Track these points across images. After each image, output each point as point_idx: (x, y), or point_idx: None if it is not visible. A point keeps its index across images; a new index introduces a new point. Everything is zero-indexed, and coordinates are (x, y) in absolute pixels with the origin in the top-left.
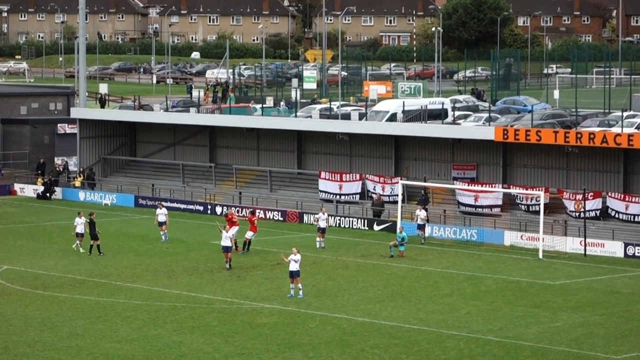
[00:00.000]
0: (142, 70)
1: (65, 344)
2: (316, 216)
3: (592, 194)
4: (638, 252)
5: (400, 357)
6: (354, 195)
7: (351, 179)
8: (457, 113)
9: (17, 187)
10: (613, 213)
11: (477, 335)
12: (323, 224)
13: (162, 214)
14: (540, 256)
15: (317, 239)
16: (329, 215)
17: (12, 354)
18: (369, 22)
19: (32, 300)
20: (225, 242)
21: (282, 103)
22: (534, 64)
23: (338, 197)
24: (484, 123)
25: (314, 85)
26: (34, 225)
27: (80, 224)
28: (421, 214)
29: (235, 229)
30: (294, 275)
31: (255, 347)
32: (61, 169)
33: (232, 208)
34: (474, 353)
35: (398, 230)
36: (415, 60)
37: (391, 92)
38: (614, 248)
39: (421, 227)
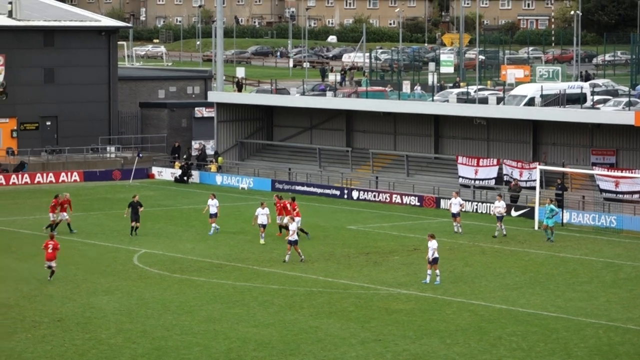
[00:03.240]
0: (278, 54)
1: (202, 327)
2: (449, 201)
3: None
4: None
5: (538, 345)
6: (490, 180)
7: (488, 164)
8: (596, 97)
9: (155, 170)
10: None
11: (616, 323)
12: (455, 209)
13: (213, 206)
14: None
15: (454, 223)
16: (465, 200)
17: (150, 337)
18: (507, 6)
19: (170, 284)
20: (293, 235)
21: (417, 87)
22: None
23: (473, 182)
24: (623, 108)
25: (451, 69)
26: (171, 209)
27: (262, 215)
28: (500, 205)
29: (298, 219)
30: (432, 261)
31: (391, 333)
32: (198, 153)
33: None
34: (613, 342)
35: (547, 203)
36: (553, 44)
37: (529, 76)
38: None
39: (500, 220)
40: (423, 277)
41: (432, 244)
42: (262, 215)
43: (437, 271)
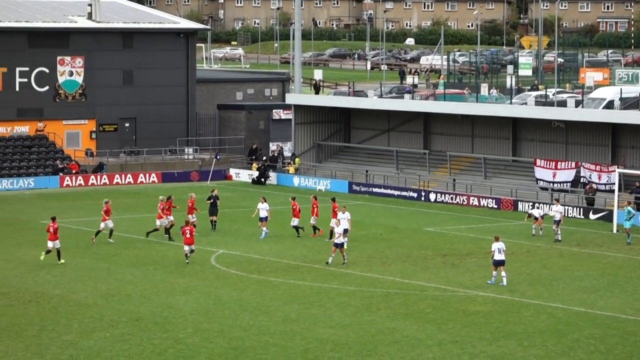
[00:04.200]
0: (356, 56)
1: (279, 328)
2: (529, 211)
3: None
4: None
5: (616, 348)
6: (566, 184)
7: (566, 167)
8: None
9: (232, 172)
10: None
11: None
12: (537, 213)
13: (263, 209)
14: None
15: (533, 225)
16: (542, 203)
17: (227, 337)
18: (586, 8)
19: (247, 284)
20: (339, 238)
21: (493, 90)
22: None
23: (551, 184)
24: None
25: (529, 72)
26: (249, 210)
27: (342, 219)
28: (558, 209)
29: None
30: (498, 264)
31: (468, 335)
32: (276, 155)
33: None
34: None
35: (625, 206)
36: (633, 47)
37: (608, 79)
38: None
39: (557, 223)
40: (499, 280)
41: (494, 246)
42: (343, 220)
43: (503, 273)
